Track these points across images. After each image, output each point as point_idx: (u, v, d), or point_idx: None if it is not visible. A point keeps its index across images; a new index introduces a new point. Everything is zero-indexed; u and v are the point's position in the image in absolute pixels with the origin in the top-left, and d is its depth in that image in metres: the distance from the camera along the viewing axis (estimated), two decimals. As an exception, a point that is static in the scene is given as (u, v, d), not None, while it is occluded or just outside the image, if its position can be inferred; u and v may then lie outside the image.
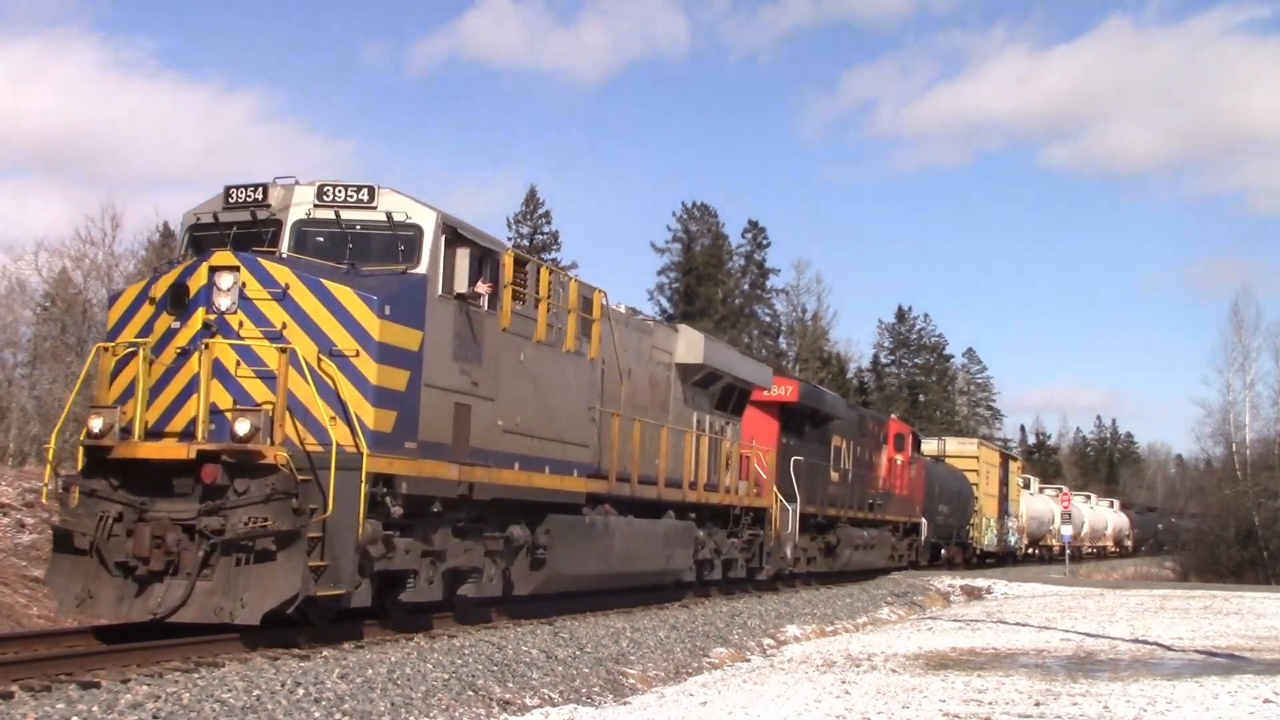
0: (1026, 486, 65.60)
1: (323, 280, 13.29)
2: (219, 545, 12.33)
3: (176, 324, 13.16)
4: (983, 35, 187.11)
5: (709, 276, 79.85)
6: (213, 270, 13.15)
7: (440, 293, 14.35)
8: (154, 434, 12.99)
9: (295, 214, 14.18)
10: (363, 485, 12.79)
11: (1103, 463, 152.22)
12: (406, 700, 11.18)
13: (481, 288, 14.99)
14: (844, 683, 14.02)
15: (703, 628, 19.26)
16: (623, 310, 21.46)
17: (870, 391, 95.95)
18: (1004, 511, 56.66)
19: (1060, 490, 71.09)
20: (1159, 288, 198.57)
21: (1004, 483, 56.89)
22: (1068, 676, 14.86)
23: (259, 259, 13.33)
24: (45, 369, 44.37)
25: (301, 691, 10.68)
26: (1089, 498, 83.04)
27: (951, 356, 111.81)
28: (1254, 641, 20.25)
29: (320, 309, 13.20)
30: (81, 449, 13.11)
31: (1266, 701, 12.76)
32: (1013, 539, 58.72)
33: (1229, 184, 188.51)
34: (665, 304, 77.67)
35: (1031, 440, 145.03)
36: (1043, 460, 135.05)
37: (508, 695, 12.30)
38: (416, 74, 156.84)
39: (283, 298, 13.17)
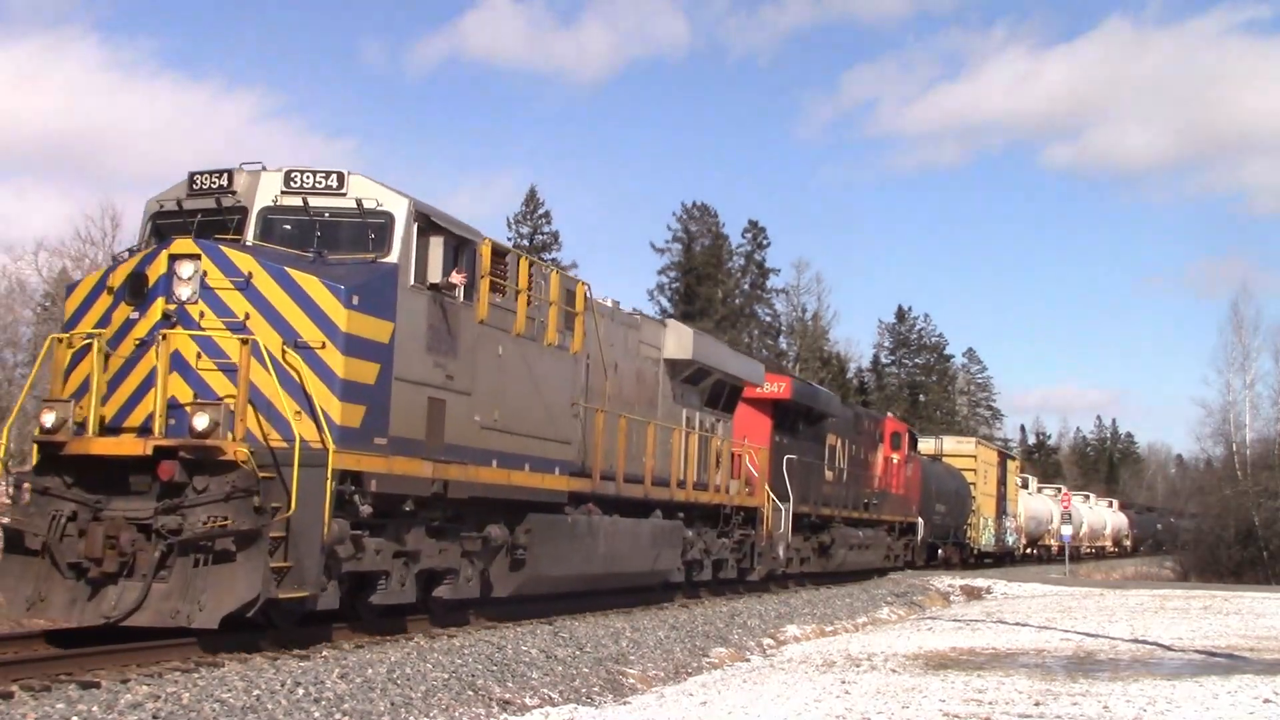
0: (1025, 486, 65.16)
1: (287, 269, 12.75)
2: (176, 545, 11.77)
3: (135, 314, 12.64)
4: (983, 35, 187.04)
5: (709, 276, 79.95)
6: (173, 258, 12.63)
7: (412, 283, 13.81)
8: (112, 429, 12.48)
9: (261, 201, 13.64)
10: (328, 482, 12.25)
11: (1103, 463, 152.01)
12: (406, 700, 11.04)
13: (456, 278, 14.44)
14: (844, 683, 13.86)
15: (702, 628, 19.09)
16: (609, 304, 20.96)
17: (870, 391, 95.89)
18: (1002, 511, 56.17)
19: (1059, 490, 70.64)
20: (1159, 288, 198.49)
21: (1002, 482, 56.39)
22: (1068, 676, 14.70)
23: (221, 247, 12.79)
24: (46, 369, 43.83)
25: (301, 691, 10.56)
26: (1088, 497, 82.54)
27: (951, 356, 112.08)
28: (1254, 641, 20.10)
29: (285, 299, 12.66)
30: (35, 445, 12.56)
31: (1266, 701, 12.64)
32: (1011, 539, 58.24)
33: (1229, 184, 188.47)
34: (665, 304, 77.79)
35: (1031, 440, 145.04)
36: (1043, 460, 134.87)
37: (508, 695, 12.13)
38: (416, 74, 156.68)
39: (245, 287, 12.64)
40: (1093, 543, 78.29)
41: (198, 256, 12.63)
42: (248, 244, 13.22)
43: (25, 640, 12.31)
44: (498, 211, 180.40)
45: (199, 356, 12.48)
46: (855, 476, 33.77)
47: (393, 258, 13.57)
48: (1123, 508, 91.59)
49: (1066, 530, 53.10)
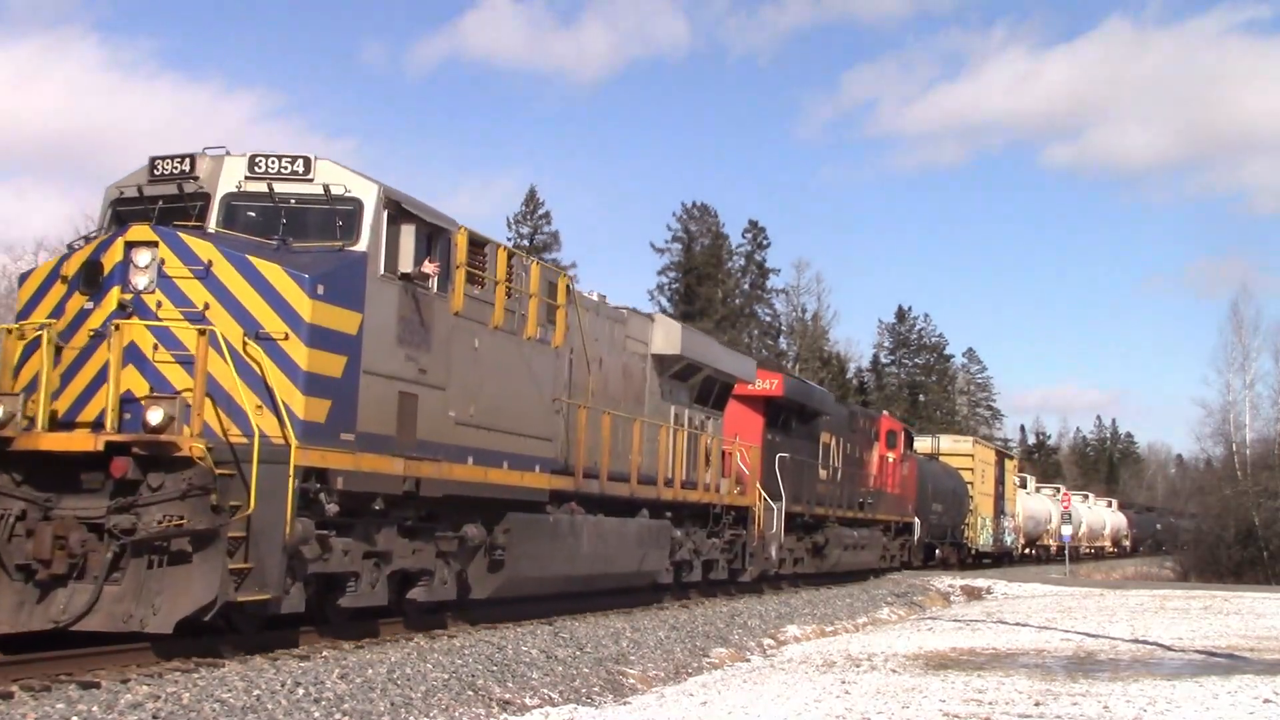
0: (1023, 485, 64.68)
1: (249, 257, 12.20)
2: (129, 546, 11.20)
3: (90, 304, 12.12)
4: (983, 35, 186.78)
5: (709, 276, 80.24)
6: (129, 246, 12.08)
7: (382, 272, 13.26)
8: (65, 424, 11.94)
9: (225, 187, 13.09)
10: (290, 480, 11.70)
11: (1103, 463, 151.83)
12: (406, 700, 10.94)
13: (429, 267, 13.90)
14: (844, 683, 13.76)
15: (703, 628, 18.97)
16: (595, 298, 20.43)
17: (870, 391, 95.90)
18: (1000, 511, 55.64)
19: (1058, 490, 70.18)
20: (1159, 288, 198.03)
21: (1000, 481, 55.87)
22: (1068, 676, 14.63)
23: (180, 233, 12.25)
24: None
25: (301, 691, 10.48)
26: (1087, 497, 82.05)
27: (951, 356, 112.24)
28: (1254, 641, 20.03)
29: (246, 288, 12.12)
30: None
31: (1266, 701, 12.59)
32: (1009, 539, 57.72)
33: (1229, 184, 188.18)
34: (665, 304, 78.06)
35: (1031, 440, 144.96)
36: (1043, 460, 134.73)
37: (508, 695, 12.00)
38: (416, 74, 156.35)
39: (205, 276, 12.10)
40: (1092, 543, 77.79)
41: (155, 244, 12.09)
42: (209, 231, 12.68)
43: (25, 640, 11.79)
44: (498, 211, 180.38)
45: (156, 348, 11.93)
46: (850, 475, 33.22)
47: (361, 246, 13.03)
48: (1122, 508, 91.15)
49: (1066, 530, 52.65)
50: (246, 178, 13.10)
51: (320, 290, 12.28)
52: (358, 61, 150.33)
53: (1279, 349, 60.80)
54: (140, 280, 12.02)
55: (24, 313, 12.57)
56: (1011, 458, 65.14)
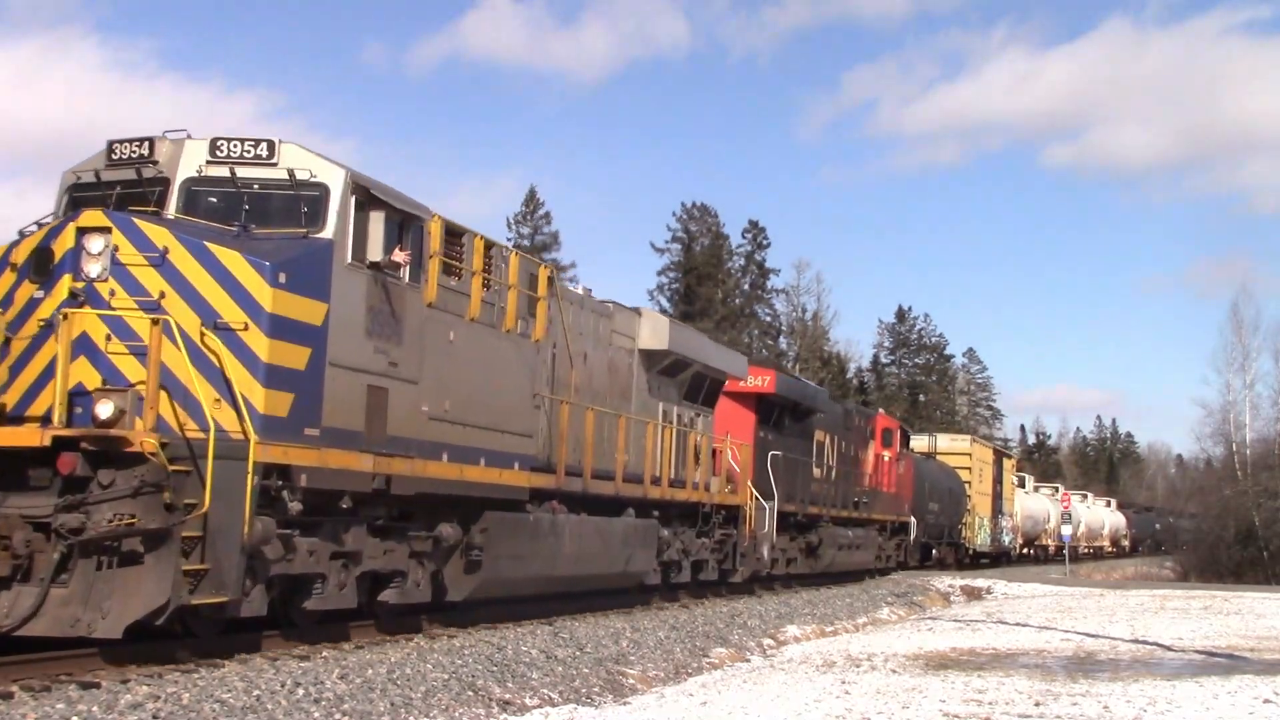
0: (1021, 485, 64.14)
1: (207, 244, 11.65)
2: (77, 546, 10.64)
3: (40, 293, 11.59)
4: (983, 35, 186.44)
5: (709, 276, 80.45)
6: (81, 232, 11.53)
7: (350, 260, 12.71)
8: (14, 419, 11.41)
9: (185, 171, 12.56)
10: (249, 476, 11.14)
11: (1103, 463, 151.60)
12: (406, 700, 10.84)
13: (399, 256, 13.36)
14: (844, 683, 13.68)
15: (702, 628, 18.90)
16: (580, 291, 19.92)
17: (870, 391, 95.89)
18: (998, 510, 55.11)
19: (1056, 490, 69.67)
20: (1159, 288, 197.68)
21: (998, 481, 55.34)
22: (1068, 676, 14.58)
23: (134, 219, 11.70)
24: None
25: (301, 692, 10.41)
26: (1085, 497, 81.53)
27: (951, 356, 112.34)
28: (1254, 641, 19.97)
29: (204, 276, 11.57)
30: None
31: (1266, 702, 12.54)
32: (1007, 539, 57.19)
33: (1229, 184, 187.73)
34: (665, 304, 78.13)
35: (1031, 440, 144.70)
36: (1043, 460, 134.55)
37: (507, 695, 11.91)
38: (416, 74, 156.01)
39: (161, 263, 11.54)
40: (1090, 543, 77.28)
41: (108, 230, 11.54)
42: (166, 217, 12.13)
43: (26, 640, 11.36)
44: (498, 211, 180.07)
45: (109, 339, 11.39)
46: (845, 474, 32.67)
47: (327, 233, 12.48)
48: (1120, 507, 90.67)
49: (1066, 530, 52.14)
50: (208, 162, 12.57)
51: (282, 279, 11.73)
52: (358, 61, 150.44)
53: (1279, 349, 60.81)
54: (93, 268, 11.48)
55: (-28, 303, 12.02)
56: (1010, 457, 64.62)
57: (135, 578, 10.64)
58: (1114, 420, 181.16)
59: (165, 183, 12.52)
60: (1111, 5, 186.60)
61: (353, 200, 12.76)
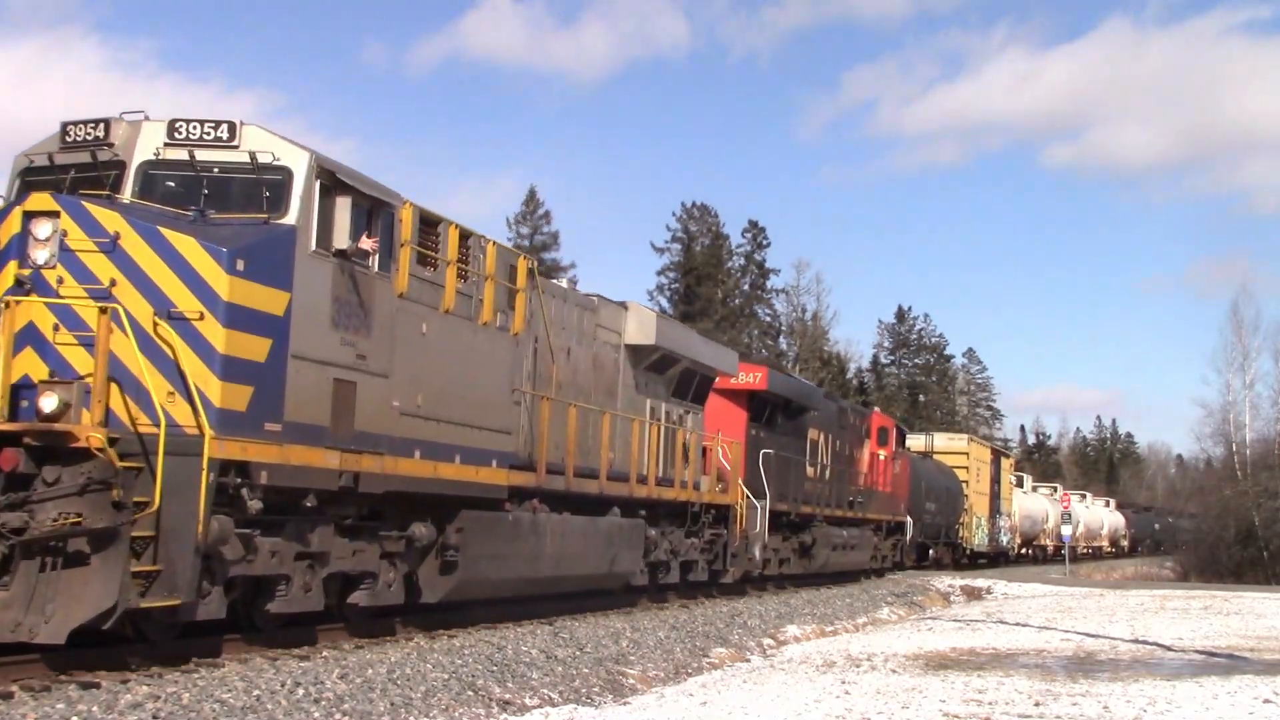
0: (1020, 484, 63.60)
1: (160, 229, 11.09)
2: (19, 547, 10.07)
3: (-15, 281, 11.00)
4: (983, 35, 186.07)
5: (709, 276, 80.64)
6: (27, 216, 10.98)
7: (314, 248, 12.15)
8: (-41, 413, 10.83)
9: (142, 154, 12.02)
10: (204, 473, 10.59)
11: (1103, 463, 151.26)
12: (406, 700, 10.78)
13: (367, 244, 12.79)
14: (844, 683, 13.63)
15: (702, 628, 18.84)
16: (564, 285, 19.40)
17: (870, 391, 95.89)
18: (995, 510, 54.58)
19: (1055, 489, 69.15)
20: (1159, 288, 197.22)
21: (995, 480, 54.79)
22: (1068, 676, 14.57)
23: (84, 203, 11.14)
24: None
25: (301, 691, 10.34)
26: (1084, 496, 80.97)
27: (951, 356, 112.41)
28: (1254, 641, 19.94)
29: (157, 263, 11.01)
30: None
31: (1266, 702, 12.52)
32: (1005, 539, 56.65)
33: (1229, 184, 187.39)
34: (665, 304, 78.04)
35: (1031, 440, 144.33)
36: (1043, 460, 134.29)
37: (507, 695, 11.83)
38: (416, 74, 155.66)
39: (112, 249, 10.99)
40: (1089, 543, 76.74)
41: (56, 214, 10.99)
42: (120, 201, 11.58)
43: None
44: (498, 211, 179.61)
45: (56, 328, 10.85)
46: (839, 473, 32.11)
47: (290, 219, 11.92)
48: (1119, 507, 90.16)
49: (1066, 530, 51.61)
50: (166, 144, 12.03)
51: (240, 266, 11.17)
52: (358, 61, 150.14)
53: (1279, 349, 60.69)
54: (40, 254, 10.93)
55: (-84, 290, 11.44)
56: (1008, 456, 64.09)
57: (81, 580, 10.09)
58: (1114, 420, 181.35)
59: (121, 166, 11.99)
60: (1111, 5, 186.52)
61: (318, 185, 12.22)
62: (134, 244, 11.00)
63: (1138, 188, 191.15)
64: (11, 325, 10.58)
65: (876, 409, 42.68)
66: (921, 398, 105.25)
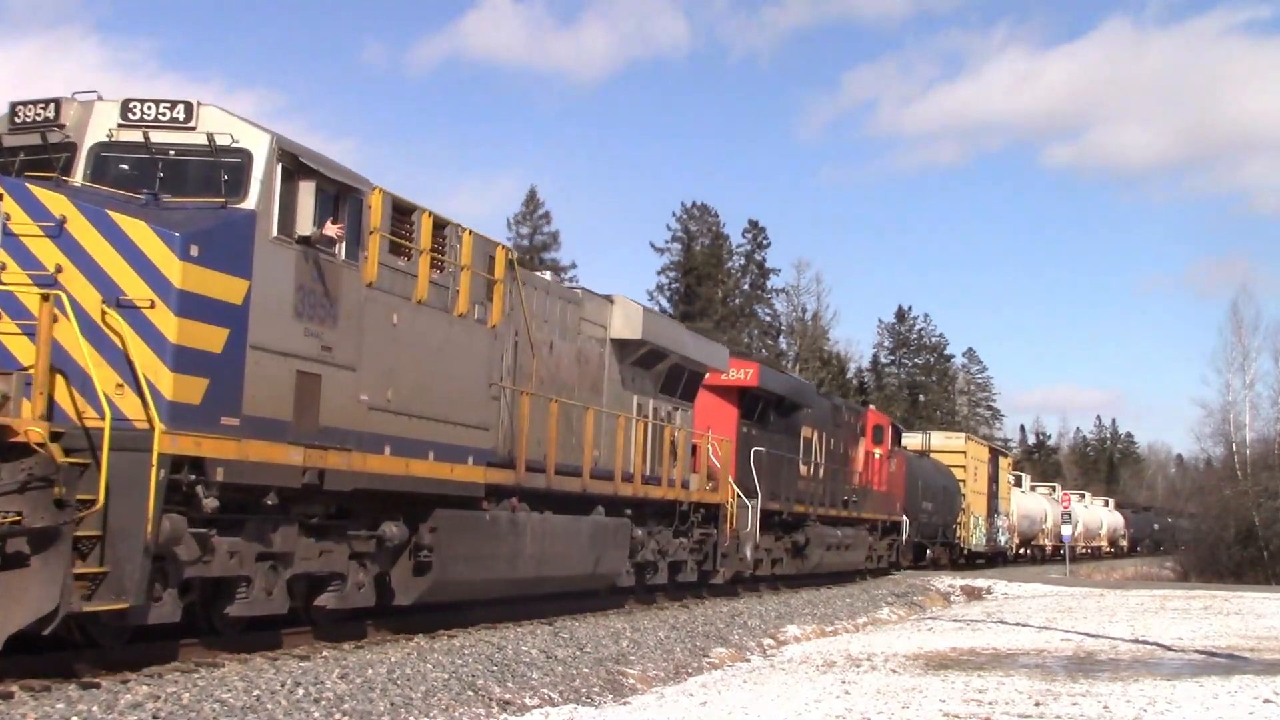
0: (1018, 484, 63.05)
1: (109, 212, 10.55)
2: (-47, 547, 9.55)
3: (-75, 268, 10.45)
4: (983, 35, 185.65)
5: (709, 276, 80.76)
6: (-31, 199, 10.43)
7: (275, 234, 11.62)
8: (-103, 406, 10.27)
9: (94, 136, 11.49)
10: (154, 469, 10.05)
11: (1103, 463, 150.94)
12: (406, 700, 10.74)
13: (331, 230, 12.24)
14: (844, 683, 13.62)
15: (703, 628, 18.81)
16: (547, 276, 18.86)
17: (870, 391, 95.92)
18: (993, 510, 54.03)
19: (1053, 489, 68.65)
20: (1159, 288, 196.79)
21: (993, 479, 54.24)
22: (1068, 676, 14.56)
23: (28, 186, 10.61)
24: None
25: (301, 691, 10.30)
26: (1083, 496, 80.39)
27: (951, 356, 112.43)
28: (1254, 641, 19.90)
29: (105, 248, 10.47)
30: None
31: (1266, 702, 12.49)
32: (1003, 539, 56.11)
33: (1229, 184, 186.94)
34: (665, 304, 77.91)
35: (1031, 440, 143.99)
36: (1043, 460, 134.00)
37: (508, 695, 11.79)
38: (416, 74, 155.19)
39: (58, 234, 10.45)
40: (1088, 543, 76.20)
41: (0, 197, 10.43)
42: (68, 184, 11.04)
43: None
44: (498, 211, 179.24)
45: (-1, 317, 10.31)
46: (833, 472, 31.55)
47: (249, 203, 11.38)
48: (1119, 507, 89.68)
49: (1067, 530, 51.06)
50: (120, 125, 11.50)
51: (194, 251, 10.62)
52: (358, 61, 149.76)
53: (1279, 349, 60.52)
54: (-19, 239, 10.38)
55: None
56: (1006, 455, 63.55)
57: (19, 582, 9.52)
58: (1114, 420, 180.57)
59: (72, 148, 11.47)
60: (1111, 5, 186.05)
61: (279, 168, 11.68)
62: (81, 228, 10.46)
63: (1138, 188, 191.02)
64: (-55, 313, 10.03)
65: (872, 406, 42.11)
66: (921, 398, 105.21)
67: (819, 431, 30.50)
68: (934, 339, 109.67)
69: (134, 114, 11.47)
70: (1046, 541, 64.41)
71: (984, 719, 11.17)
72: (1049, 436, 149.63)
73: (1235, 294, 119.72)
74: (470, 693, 11.52)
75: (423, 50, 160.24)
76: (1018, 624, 22.65)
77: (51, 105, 11.55)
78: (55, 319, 10.01)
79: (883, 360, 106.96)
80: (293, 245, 11.80)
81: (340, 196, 12.52)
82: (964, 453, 49.75)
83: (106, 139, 11.45)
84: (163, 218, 10.72)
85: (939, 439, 50.16)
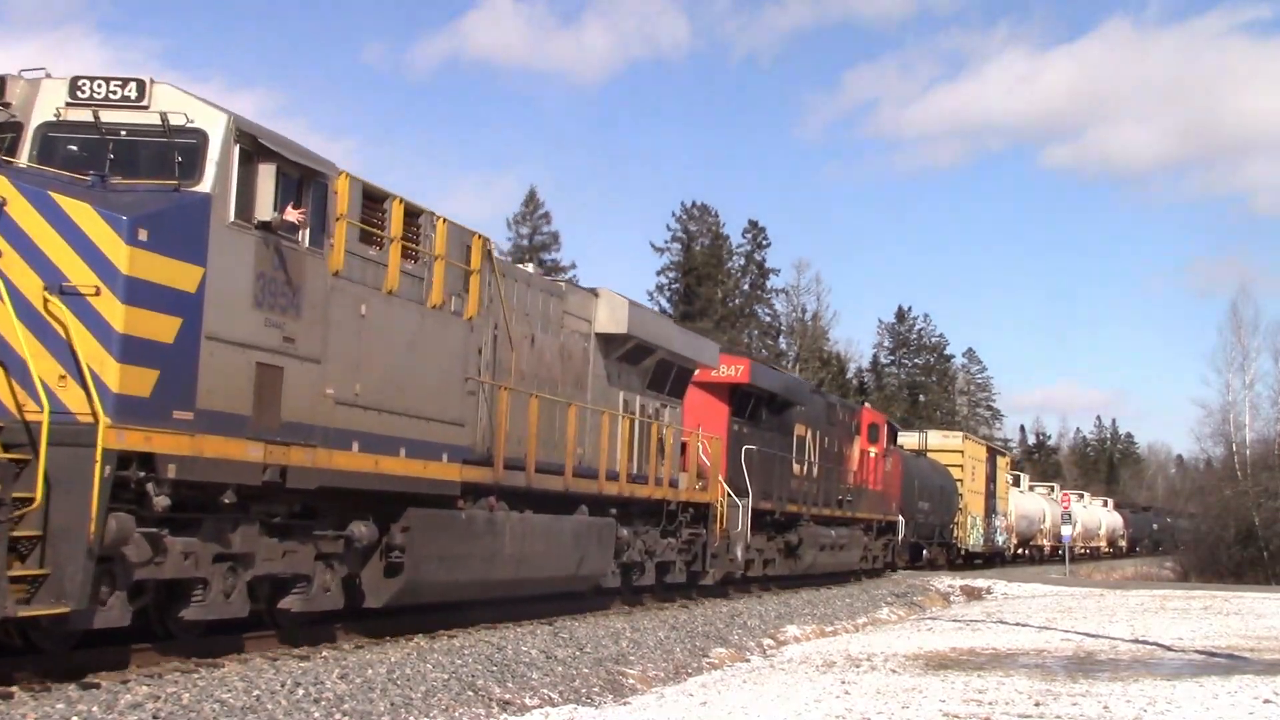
0: (1016, 484, 62.55)
1: (52, 194, 9.98)
2: (-118, 547, 9.01)
3: None
4: (984, 35, 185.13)
5: (709, 276, 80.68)
6: (-97, 181, 9.88)
7: (233, 219, 11.05)
8: None
9: (41, 115, 10.95)
10: (98, 465, 9.50)
11: (1103, 463, 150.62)
12: (406, 700, 10.68)
13: (293, 215, 11.67)
14: (844, 683, 13.58)
15: (702, 628, 18.78)
16: (529, 269, 18.31)
17: (870, 391, 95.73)
18: (991, 510, 53.52)
19: (1052, 488, 68.16)
20: (1159, 288, 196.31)
21: (991, 479, 53.74)
22: (1068, 676, 14.53)
23: (-34, 166, 10.05)
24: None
25: (301, 692, 10.26)
26: (1082, 496, 79.91)
27: (951, 356, 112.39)
28: (1254, 641, 19.83)
29: (48, 232, 9.90)
30: None
31: (1266, 702, 12.45)
32: (1000, 539, 55.60)
33: (1229, 184, 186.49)
34: (665, 304, 77.87)
35: (1031, 440, 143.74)
36: (1043, 460, 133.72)
37: (507, 695, 11.74)
38: (417, 74, 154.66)
39: (-3, 217, 9.88)
40: (1087, 543, 75.69)
41: (-65, 178, 9.90)
42: (10, 164, 10.48)
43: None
44: (498, 211, 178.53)
45: (-65, 305, 9.74)
46: (827, 471, 30.99)
47: (204, 186, 10.82)
48: (1117, 507, 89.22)
49: (1067, 530, 50.55)
50: (68, 104, 10.96)
51: (143, 236, 10.06)
52: (358, 61, 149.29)
53: (1279, 349, 60.22)
54: (-83, 223, 9.82)
55: None
56: (1004, 454, 63.04)
57: (-49, 585, 8.99)
58: (1114, 420, 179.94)
59: (18, 128, 10.94)
60: (1111, 5, 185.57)
61: (237, 150, 11.12)
62: (22, 211, 9.90)
63: (1138, 188, 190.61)
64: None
65: (867, 405, 41.58)
66: (921, 398, 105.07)
67: (813, 429, 29.95)
68: (934, 339, 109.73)
69: (83, 92, 10.92)
70: (1045, 542, 63.93)
71: (984, 719, 11.11)
72: (1049, 436, 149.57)
73: (1235, 294, 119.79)
74: (470, 693, 11.46)
75: (423, 50, 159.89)
76: (1017, 624, 22.52)
77: (-4, 83, 10.99)
78: (-8, 306, 9.46)
79: (883, 360, 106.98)
80: (252, 231, 11.25)
81: (304, 181, 11.96)
82: (961, 452, 49.25)
83: (54, 118, 10.92)
84: (109, 200, 10.16)
85: (936, 438, 49.67)
